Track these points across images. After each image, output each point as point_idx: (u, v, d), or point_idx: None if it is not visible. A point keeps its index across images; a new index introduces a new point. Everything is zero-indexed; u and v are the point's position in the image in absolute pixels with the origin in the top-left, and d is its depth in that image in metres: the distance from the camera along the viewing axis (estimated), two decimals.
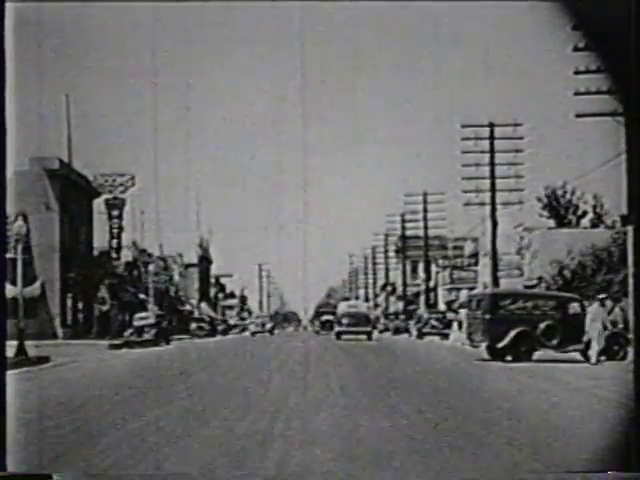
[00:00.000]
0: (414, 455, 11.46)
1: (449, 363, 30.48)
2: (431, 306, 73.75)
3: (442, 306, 73.89)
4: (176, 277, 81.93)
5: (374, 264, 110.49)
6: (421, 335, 58.68)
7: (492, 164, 50.22)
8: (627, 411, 13.24)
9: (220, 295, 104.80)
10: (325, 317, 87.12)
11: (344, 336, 55.43)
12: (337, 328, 58.21)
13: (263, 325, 77.04)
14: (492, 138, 50.09)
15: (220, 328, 75.76)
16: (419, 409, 15.99)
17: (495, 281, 50.27)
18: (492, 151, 50.14)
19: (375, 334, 70.96)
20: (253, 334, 73.60)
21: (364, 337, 54.45)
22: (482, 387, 20.79)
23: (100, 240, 59.46)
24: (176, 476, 10.35)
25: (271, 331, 75.75)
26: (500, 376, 24.07)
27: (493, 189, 50.33)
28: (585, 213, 62.90)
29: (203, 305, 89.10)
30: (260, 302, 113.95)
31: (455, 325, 56.35)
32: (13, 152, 12.67)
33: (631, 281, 25.33)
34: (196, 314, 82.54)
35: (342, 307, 61.35)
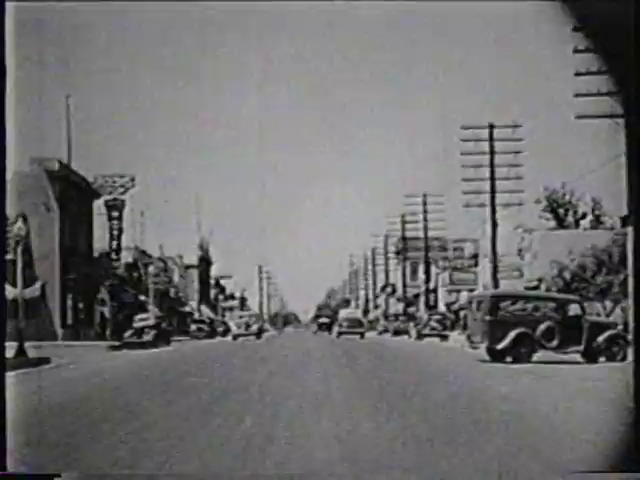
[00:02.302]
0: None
1: (445, 364, 30.48)
2: (431, 307, 73.82)
3: (442, 307, 73.94)
4: (176, 278, 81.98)
5: (374, 265, 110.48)
6: (420, 336, 58.81)
7: (492, 165, 50.20)
8: (627, 412, 13.26)
9: (220, 296, 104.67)
10: (322, 320, 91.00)
11: (343, 336, 64.94)
12: (338, 329, 68.70)
13: (247, 326, 63.35)
14: (492, 140, 50.06)
15: (220, 329, 75.63)
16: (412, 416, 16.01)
17: (495, 282, 50.22)
18: (492, 152, 50.12)
19: (375, 336, 72.17)
20: (234, 337, 62.00)
21: (358, 336, 63.79)
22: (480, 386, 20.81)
23: (100, 241, 59.51)
24: (176, 476, 10.36)
25: (258, 334, 63.31)
26: (499, 374, 24.10)
27: (493, 190, 50.30)
28: (585, 215, 62.92)
29: (203, 306, 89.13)
30: (260, 303, 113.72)
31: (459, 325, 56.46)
32: (13, 152, 12.68)
33: (631, 282, 25.34)
34: (196, 315, 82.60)
35: (342, 313, 74.86)
